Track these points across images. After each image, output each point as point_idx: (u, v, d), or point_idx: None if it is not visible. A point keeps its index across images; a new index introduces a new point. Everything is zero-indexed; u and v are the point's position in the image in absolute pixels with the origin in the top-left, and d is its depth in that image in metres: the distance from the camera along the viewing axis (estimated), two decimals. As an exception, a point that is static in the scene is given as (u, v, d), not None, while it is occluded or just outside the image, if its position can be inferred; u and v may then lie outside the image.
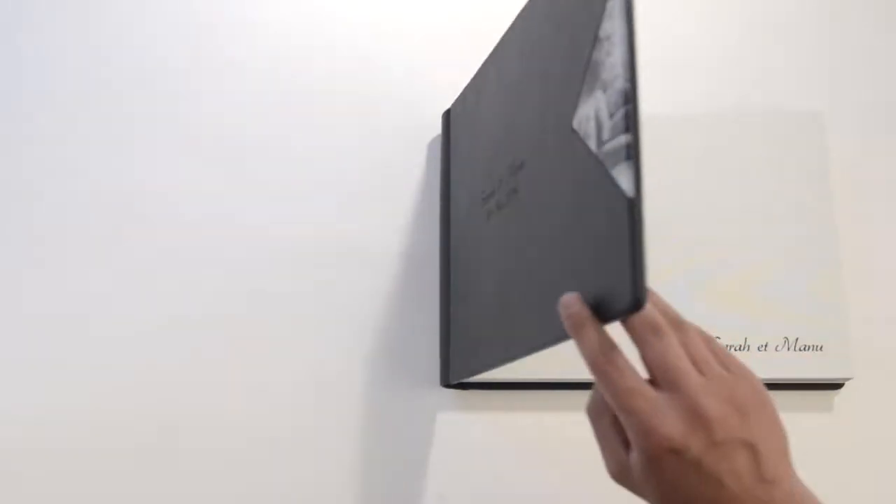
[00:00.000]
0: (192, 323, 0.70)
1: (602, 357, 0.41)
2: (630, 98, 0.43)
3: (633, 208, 0.41)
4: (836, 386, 0.68)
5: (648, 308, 0.40)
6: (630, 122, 0.42)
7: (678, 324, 0.43)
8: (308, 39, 0.77)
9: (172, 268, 0.71)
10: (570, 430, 0.67)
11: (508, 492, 0.67)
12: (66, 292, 0.71)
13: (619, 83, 0.43)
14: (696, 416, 0.39)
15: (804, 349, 0.66)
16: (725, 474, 0.40)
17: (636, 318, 0.41)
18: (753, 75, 0.76)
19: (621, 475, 0.43)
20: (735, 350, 0.66)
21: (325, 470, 0.67)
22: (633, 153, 0.42)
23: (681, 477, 0.40)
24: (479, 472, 0.67)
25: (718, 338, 0.66)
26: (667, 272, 0.68)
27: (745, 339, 0.66)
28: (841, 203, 0.71)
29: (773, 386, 0.67)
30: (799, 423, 0.67)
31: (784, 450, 0.43)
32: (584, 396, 0.68)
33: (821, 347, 0.66)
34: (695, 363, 0.42)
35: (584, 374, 0.66)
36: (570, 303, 0.43)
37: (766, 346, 0.66)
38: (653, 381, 0.42)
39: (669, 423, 0.39)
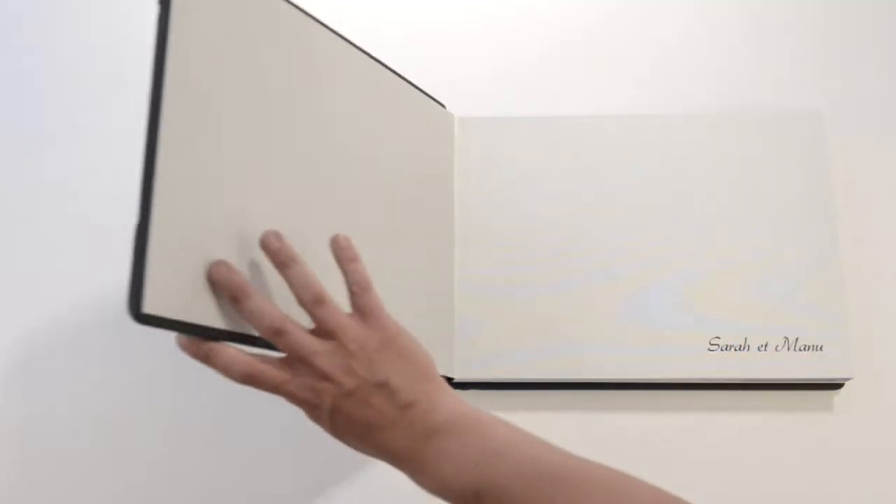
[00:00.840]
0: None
1: (242, 378, 0.47)
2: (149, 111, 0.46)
3: (136, 230, 0.44)
4: (836, 386, 0.67)
5: (264, 317, 0.47)
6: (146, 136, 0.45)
7: (317, 301, 0.49)
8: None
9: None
10: (569, 429, 0.68)
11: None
12: (71, 288, 0.71)
13: None
14: (321, 377, 0.47)
15: (804, 349, 0.66)
16: (370, 414, 0.48)
17: (258, 328, 0.47)
18: (753, 75, 0.76)
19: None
20: (735, 350, 0.66)
21: (326, 469, 0.67)
22: (145, 173, 0.45)
23: (336, 424, 0.48)
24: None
25: (718, 337, 0.67)
26: (667, 272, 0.68)
27: (745, 339, 0.66)
28: (841, 203, 0.71)
29: (774, 386, 0.68)
30: (799, 423, 0.68)
31: (421, 374, 0.49)
32: (583, 396, 0.68)
33: (821, 347, 0.65)
34: (328, 332, 0.48)
35: (583, 374, 0.67)
36: (184, 344, 0.48)
37: (766, 346, 0.66)
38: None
39: (305, 390, 0.48)
